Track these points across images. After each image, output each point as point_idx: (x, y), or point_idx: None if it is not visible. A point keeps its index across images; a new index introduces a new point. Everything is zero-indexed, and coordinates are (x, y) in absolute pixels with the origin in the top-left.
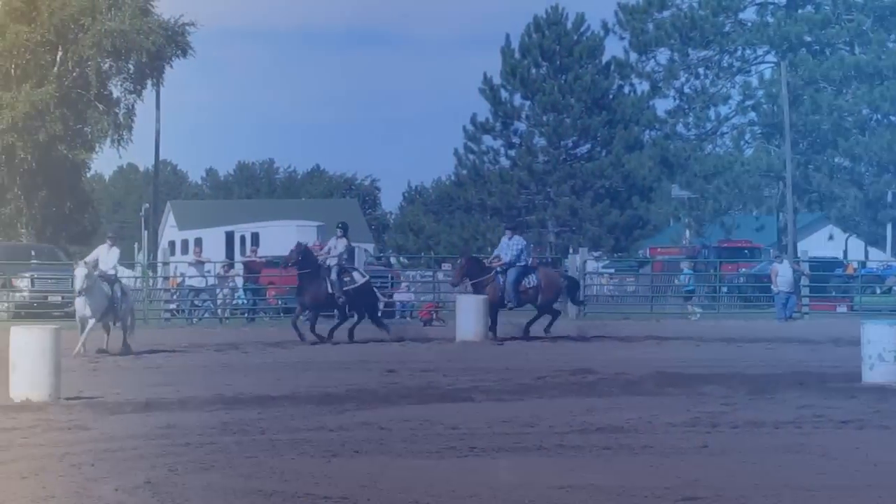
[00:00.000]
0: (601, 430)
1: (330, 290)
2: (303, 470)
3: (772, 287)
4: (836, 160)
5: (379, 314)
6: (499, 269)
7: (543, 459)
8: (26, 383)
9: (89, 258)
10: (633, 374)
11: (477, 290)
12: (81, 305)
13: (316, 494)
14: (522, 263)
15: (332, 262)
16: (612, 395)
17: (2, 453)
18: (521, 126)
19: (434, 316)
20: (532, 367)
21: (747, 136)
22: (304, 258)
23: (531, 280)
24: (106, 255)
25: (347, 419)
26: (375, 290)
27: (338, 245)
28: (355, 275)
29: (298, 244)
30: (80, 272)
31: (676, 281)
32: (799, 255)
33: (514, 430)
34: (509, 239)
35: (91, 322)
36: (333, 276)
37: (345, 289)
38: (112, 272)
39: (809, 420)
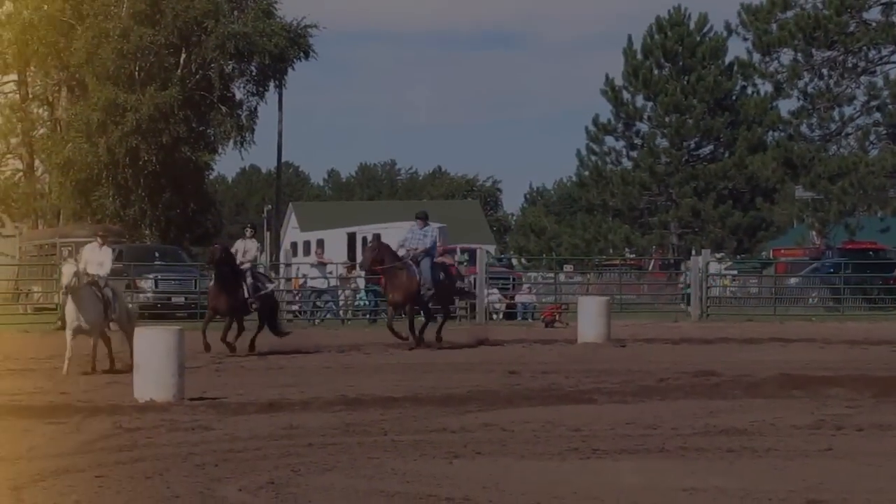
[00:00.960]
0: (724, 433)
1: (246, 296)
2: (425, 471)
3: None
4: None
5: (277, 322)
6: (413, 257)
7: (666, 462)
8: (150, 384)
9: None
10: (756, 376)
11: (387, 277)
12: (73, 315)
13: (438, 496)
14: (434, 254)
15: (247, 265)
16: (736, 397)
17: (126, 453)
18: (644, 127)
19: (556, 317)
20: (654, 368)
21: (872, 137)
22: (226, 258)
23: (439, 273)
24: (97, 255)
25: (470, 420)
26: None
27: (248, 246)
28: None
29: (218, 242)
30: (67, 269)
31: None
32: None
33: (637, 432)
34: (421, 228)
35: (93, 335)
36: (249, 280)
37: (258, 294)
38: (104, 274)
39: None
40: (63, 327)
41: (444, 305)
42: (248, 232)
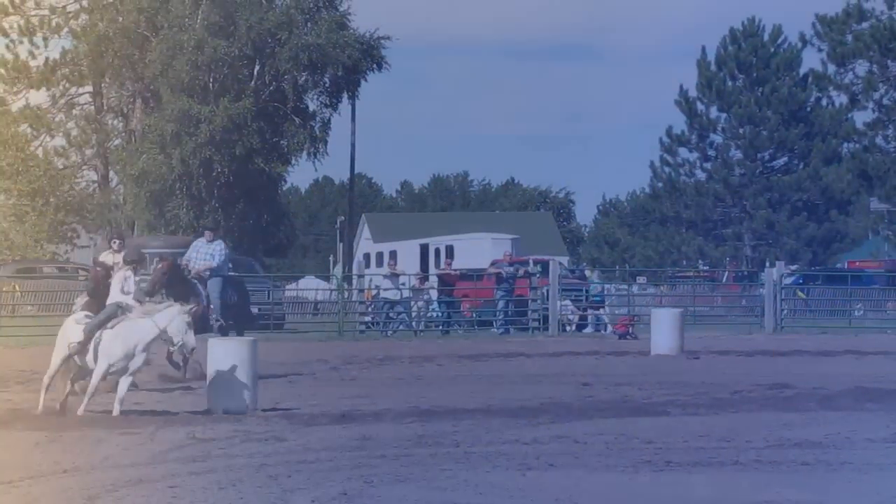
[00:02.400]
0: (799, 446)
1: None
2: (497, 483)
3: None
4: None
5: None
6: (201, 277)
7: (740, 474)
8: (224, 395)
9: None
10: (831, 388)
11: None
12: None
13: None
14: (223, 273)
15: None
16: (810, 409)
17: (200, 464)
18: (718, 138)
19: (629, 329)
20: (728, 381)
21: None
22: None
23: (232, 294)
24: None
25: (542, 432)
26: None
27: (117, 261)
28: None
29: (99, 264)
30: (183, 316)
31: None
32: None
33: (710, 445)
34: (209, 241)
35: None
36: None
37: None
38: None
39: None
40: None
41: (237, 330)
42: (116, 244)
